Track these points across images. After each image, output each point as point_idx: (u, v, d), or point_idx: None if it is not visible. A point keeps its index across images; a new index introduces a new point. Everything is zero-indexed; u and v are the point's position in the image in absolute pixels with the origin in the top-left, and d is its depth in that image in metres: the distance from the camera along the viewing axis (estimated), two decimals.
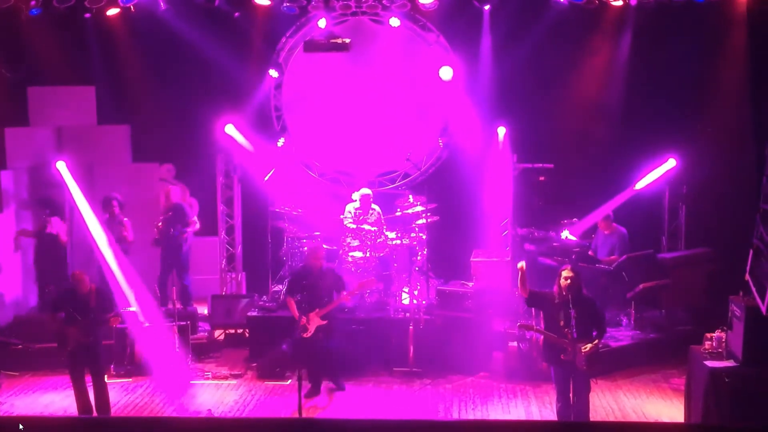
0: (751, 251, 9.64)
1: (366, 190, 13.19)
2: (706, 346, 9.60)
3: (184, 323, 12.02)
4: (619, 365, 11.61)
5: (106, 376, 10.44)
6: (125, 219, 12.99)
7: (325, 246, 12.91)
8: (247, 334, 12.63)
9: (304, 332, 10.78)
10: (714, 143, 13.34)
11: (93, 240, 12.66)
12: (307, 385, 10.74)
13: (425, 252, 12.79)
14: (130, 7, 13.18)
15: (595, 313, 9.41)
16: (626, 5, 13.23)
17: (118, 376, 11.66)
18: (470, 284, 12.10)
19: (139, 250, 13.17)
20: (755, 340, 9.08)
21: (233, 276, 13.89)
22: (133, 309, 11.56)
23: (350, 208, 13.17)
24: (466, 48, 13.89)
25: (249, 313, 12.54)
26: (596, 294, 10.76)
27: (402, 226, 12.96)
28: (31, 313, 13.09)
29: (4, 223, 13.37)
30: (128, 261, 12.68)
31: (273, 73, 13.99)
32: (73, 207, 13.54)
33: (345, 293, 10.99)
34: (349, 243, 12.88)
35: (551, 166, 13.16)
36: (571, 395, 9.38)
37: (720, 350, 9.49)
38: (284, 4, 13.18)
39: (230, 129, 13.35)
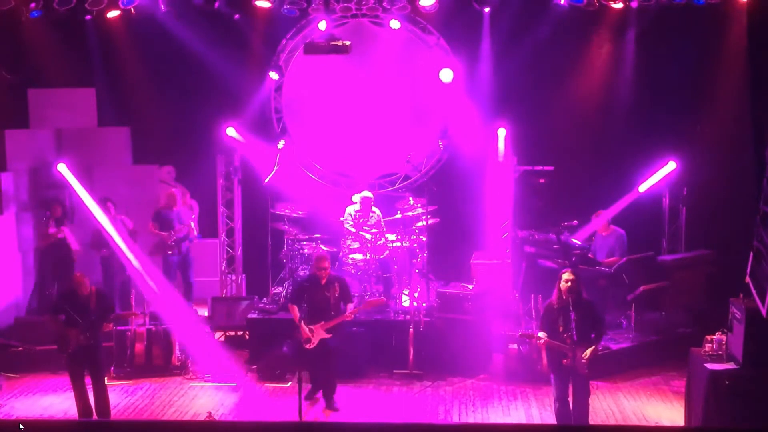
0: (751, 253, 9.63)
1: (367, 193, 13.18)
2: (707, 349, 9.60)
3: None
4: (620, 368, 11.62)
5: (106, 378, 10.42)
6: (121, 216, 13.03)
7: (325, 248, 12.95)
8: (247, 336, 12.63)
9: (308, 344, 10.43)
10: (714, 145, 13.34)
11: (104, 239, 12.73)
12: (307, 386, 10.71)
13: (425, 254, 12.79)
14: (130, 10, 13.19)
15: (594, 316, 9.43)
16: (626, 8, 13.23)
17: (118, 378, 11.67)
18: (470, 286, 12.10)
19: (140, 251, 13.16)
20: (756, 343, 9.07)
21: (233, 278, 13.89)
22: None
23: (350, 210, 13.17)
24: (467, 50, 13.89)
25: (249, 315, 12.53)
26: (596, 296, 10.79)
27: (402, 228, 12.96)
28: (31, 315, 13.09)
29: (4, 225, 13.37)
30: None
31: (273, 75, 13.99)
32: (75, 209, 13.58)
33: (351, 310, 10.54)
34: (350, 245, 12.88)
35: (551, 168, 13.16)
36: (570, 398, 9.39)
37: (720, 352, 9.48)
38: (284, 7, 13.18)
39: (231, 131, 13.36)
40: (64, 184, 13.31)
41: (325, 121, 14.42)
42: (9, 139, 13.93)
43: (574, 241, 12.45)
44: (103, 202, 12.94)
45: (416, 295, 12.39)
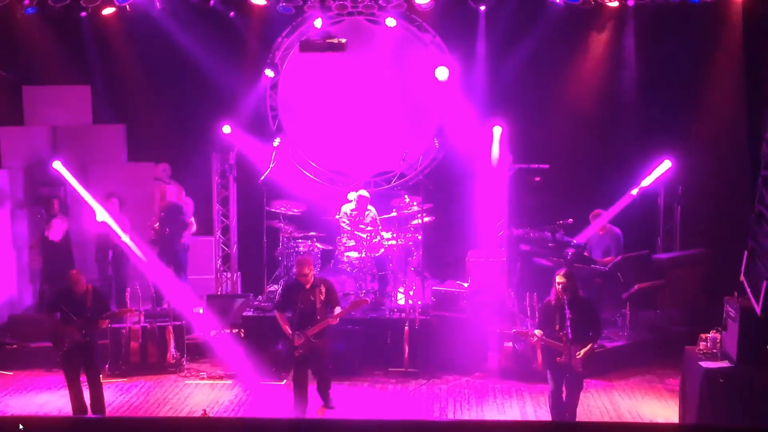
0: (745, 252, 9.65)
1: (363, 192, 13.18)
2: (701, 347, 9.61)
3: (180, 323, 12.04)
4: (614, 366, 11.63)
5: (101, 376, 10.41)
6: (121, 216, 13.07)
7: (320, 246, 12.95)
8: (242, 334, 12.63)
9: (296, 351, 10.07)
10: (709, 144, 13.38)
11: (108, 234, 12.78)
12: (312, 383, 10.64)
13: (421, 252, 12.79)
14: (125, 7, 13.18)
15: (591, 314, 9.45)
16: (622, 6, 13.25)
17: (113, 376, 11.66)
18: (466, 284, 12.12)
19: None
20: (750, 341, 9.09)
21: (228, 276, 13.88)
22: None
23: (345, 208, 13.17)
24: (462, 48, 13.90)
25: (244, 313, 12.52)
26: (591, 294, 10.81)
27: (398, 226, 12.96)
28: (26, 313, 13.07)
29: None
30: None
31: (269, 72, 13.98)
32: (70, 206, 13.56)
33: (335, 315, 10.15)
34: (345, 243, 12.88)
35: (547, 166, 13.17)
36: (564, 393, 9.43)
37: (715, 351, 9.50)
38: (280, 4, 13.18)
39: (226, 128, 13.35)
40: (60, 182, 13.28)
41: (320, 118, 14.41)
42: (3, 136, 13.91)
43: (570, 239, 12.47)
44: (107, 198, 12.93)
45: (411, 293, 12.39)
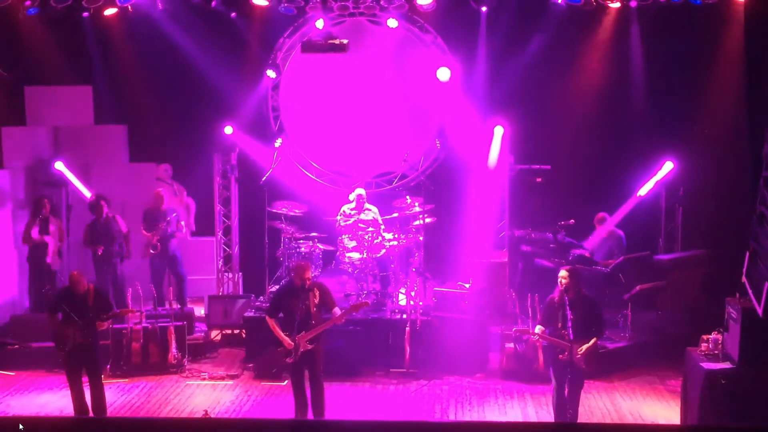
0: (747, 253, 9.65)
1: (360, 190, 13.20)
2: (703, 348, 9.62)
3: (181, 323, 12.03)
4: (616, 367, 11.61)
5: (102, 376, 10.42)
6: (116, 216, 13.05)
7: (322, 247, 12.95)
8: (243, 335, 12.63)
9: (289, 357, 9.62)
10: (710, 145, 13.37)
11: (100, 235, 12.66)
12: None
13: (422, 253, 12.79)
14: (127, 7, 13.18)
15: (594, 312, 9.44)
16: (623, 7, 13.25)
17: (115, 376, 11.66)
18: (467, 285, 12.11)
19: (134, 252, 13.13)
20: (751, 342, 9.09)
21: (230, 276, 13.89)
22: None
23: (345, 208, 13.18)
24: (464, 49, 13.91)
25: (246, 314, 12.54)
26: (593, 295, 10.78)
27: (399, 227, 12.96)
28: (27, 313, 13.06)
29: (0, 222, 13.34)
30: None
31: (270, 73, 13.99)
32: (72, 206, 13.55)
33: (333, 318, 9.76)
34: (347, 244, 12.88)
35: (548, 167, 13.18)
36: (566, 391, 9.44)
37: (716, 352, 9.50)
38: (282, 5, 13.19)
39: (227, 129, 13.35)
40: (61, 182, 13.27)
41: (322, 119, 14.42)
42: (5, 136, 13.93)
43: (578, 243, 12.49)
44: (96, 201, 12.83)
45: (413, 293, 12.39)
